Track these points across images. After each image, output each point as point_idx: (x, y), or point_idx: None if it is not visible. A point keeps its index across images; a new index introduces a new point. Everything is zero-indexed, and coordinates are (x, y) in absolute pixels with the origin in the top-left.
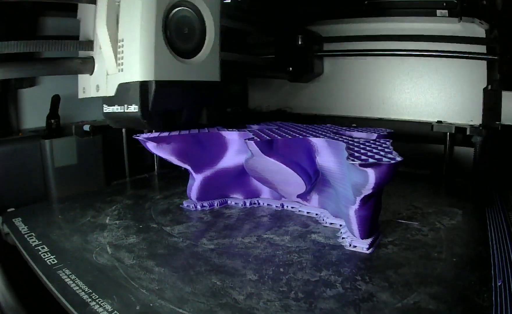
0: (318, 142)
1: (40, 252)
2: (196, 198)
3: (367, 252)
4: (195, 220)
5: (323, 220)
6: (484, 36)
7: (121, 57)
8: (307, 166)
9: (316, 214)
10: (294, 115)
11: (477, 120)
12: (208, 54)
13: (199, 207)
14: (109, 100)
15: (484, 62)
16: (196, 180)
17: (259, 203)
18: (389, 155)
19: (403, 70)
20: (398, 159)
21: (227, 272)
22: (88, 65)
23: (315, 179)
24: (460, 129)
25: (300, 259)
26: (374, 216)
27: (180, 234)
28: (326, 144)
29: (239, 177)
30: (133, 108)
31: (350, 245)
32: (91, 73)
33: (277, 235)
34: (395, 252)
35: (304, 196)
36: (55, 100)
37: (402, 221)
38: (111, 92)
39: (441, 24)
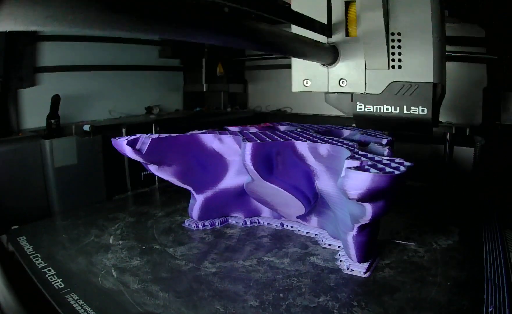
0: (317, 167)
1: (47, 275)
2: (197, 217)
3: (364, 276)
4: (197, 241)
5: (322, 241)
6: (484, 36)
7: (398, 53)
8: (306, 190)
9: (315, 235)
10: (294, 115)
11: (477, 120)
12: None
13: (201, 226)
14: (370, 99)
15: (484, 62)
16: (198, 200)
17: (259, 222)
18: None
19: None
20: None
21: (229, 298)
22: (327, 53)
23: (314, 202)
24: (460, 129)
25: (299, 284)
26: (371, 240)
27: (182, 256)
28: (325, 168)
29: (240, 196)
30: (420, 110)
31: (348, 269)
32: (330, 64)
33: (277, 258)
34: (391, 275)
35: (303, 217)
36: (55, 100)
37: (399, 241)
38: (374, 89)
39: None
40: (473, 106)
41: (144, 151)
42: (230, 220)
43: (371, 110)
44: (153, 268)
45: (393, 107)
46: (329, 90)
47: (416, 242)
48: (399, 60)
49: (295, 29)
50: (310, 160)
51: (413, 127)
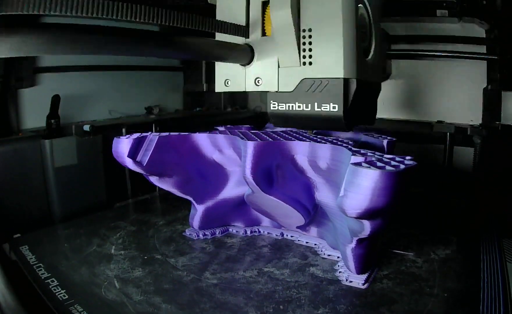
0: (316, 179)
1: (50, 286)
2: (198, 227)
3: (363, 287)
4: (198, 251)
5: (322, 251)
6: (484, 36)
7: (308, 49)
8: (306, 201)
9: (315, 244)
10: None
11: (477, 120)
12: (374, 55)
13: (201, 236)
14: (283, 97)
15: (484, 62)
16: (198, 210)
17: (259, 232)
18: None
19: (403, 70)
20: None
21: (230, 310)
22: (243, 53)
23: (313, 213)
24: (460, 129)
25: (299, 296)
26: (370, 252)
27: (184, 267)
28: (325, 181)
29: (240, 206)
30: (331, 107)
31: (346, 280)
32: (247, 64)
33: (277, 269)
34: (390, 287)
35: (303, 227)
36: (55, 100)
37: (398, 251)
38: (286, 87)
39: (441, 24)
40: (473, 106)
41: (145, 163)
42: (230, 229)
43: (284, 108)
44: (155, 279)
45: (304, 104)
46: (246, 89)
47: (414, 252)
48: (310, 56)
49: (220, 35)
50: (310, 173)
51: (326, 124)
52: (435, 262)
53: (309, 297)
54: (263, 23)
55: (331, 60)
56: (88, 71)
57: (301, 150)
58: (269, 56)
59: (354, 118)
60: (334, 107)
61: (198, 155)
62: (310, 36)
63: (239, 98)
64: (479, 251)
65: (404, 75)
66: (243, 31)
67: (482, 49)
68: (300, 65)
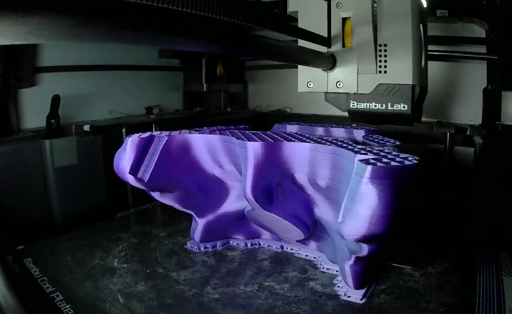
0: (316, 195)
1: (56, 300)
2: (199, 240)
3: (361, 302)
4: (200, 264)
5: (321, 265)
6: (484, 36)
7: (384, 60)
8: (305, 217)
9: (314, 258)
10: (294, 115)
11: (477, 120)
12: (425, 65)
13: (202, 249)
14: (362, 97)
15: (484, 62)
16: (199, 224)
17: (259, 244)
18: None
19: None
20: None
21: None
22: (327, 60)
23: (313, 228)
24: (460, 129)
25: (299, 311)
26: (369, 267)
27: (186, 281)
28: (324, 198)
29: (240, 219)
30: (402, 107)
31: (345, 295)
32: (330, 69)
33: (277, 283)
34: (387, 301)
35: (303, 241)
36: (55, 100)
37: (396, 264)
38: (364, 90)
39: (441, 24)
40: (473, 106)
41: (147, 179)
42: (231, 242)
43: (362, 107)
44: (158, 294)
45: (379, 104)
46: (328, 91)
47: (412, 265)
48: (385, 66)
49: (302, 41)
50: (309, 190)
51: (396, 120)
52: (432, 275)
53: (309, 313)
54: (343, 36)
55: (403, 70)
56: (88, 71)
57: (301, 169)
58: (350, 64)
59: (417, 115)
60: (404, 107)
61: (199, 170)
62: (385, 50)
63: (239, 98)
64: (476, 264)
65: None
66: (327, 42)
67: (482, 49)
68: (377, 73)
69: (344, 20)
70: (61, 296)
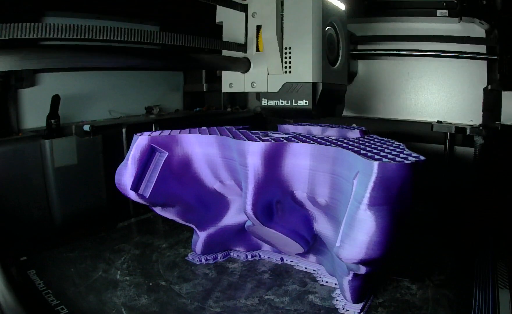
0: (315, 211)
1: None
2: (200, 252)
3: None
4: (201, 277)
5: (320, 277)
6: (484, 36)
7: (288, 61)
8: (305, 232)
9: (314, 270)
10: None
11: (477, 120)
12: (342, 64)
13: (204, 261)
14: (271, 95)
15: (484, 62)
16: (200, 237)
17: (260, 256)
18: None
19: (403, 70)
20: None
21: None
22: (243, 64)
23: (312, 242)
24: (460, 129)
25: None
26: (367, 282)
27: (188, 294)
28: (323, 213)
29: (241, 232)
30: (304, 102)
31: (343, 309)
32: (246, 72)
33: (277, 296)
34: None
35: (302, 254)
36: (55, 100)
37: (394, 277)
38: (273, 89)
39: (441, 24)
40: (473, 106)
41: (148, 195)
42: (232, 254)
43: (272, 104)
44: (161, 308)
45: (286, 101)
46: (245, 90)
47: (409, 277)
48: (290, 67)
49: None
50: (309, 206)
51: (301, 115)
52: (429, 288)
53: None
54: (257, 42)
55: (303, 69)
56: (88, 71)
57: (301, 187)
58: (262, 67)
59: (324, 110)
60: (306, 103)
61: (200, 185)
62: (290, 52)
63: (239, 99)
64: (473, 276)
65: (404, 75)
66: (243, 48)
67: (482, 49)
68: (283, 73)
69: (258, 28)
70: (66, 309)
